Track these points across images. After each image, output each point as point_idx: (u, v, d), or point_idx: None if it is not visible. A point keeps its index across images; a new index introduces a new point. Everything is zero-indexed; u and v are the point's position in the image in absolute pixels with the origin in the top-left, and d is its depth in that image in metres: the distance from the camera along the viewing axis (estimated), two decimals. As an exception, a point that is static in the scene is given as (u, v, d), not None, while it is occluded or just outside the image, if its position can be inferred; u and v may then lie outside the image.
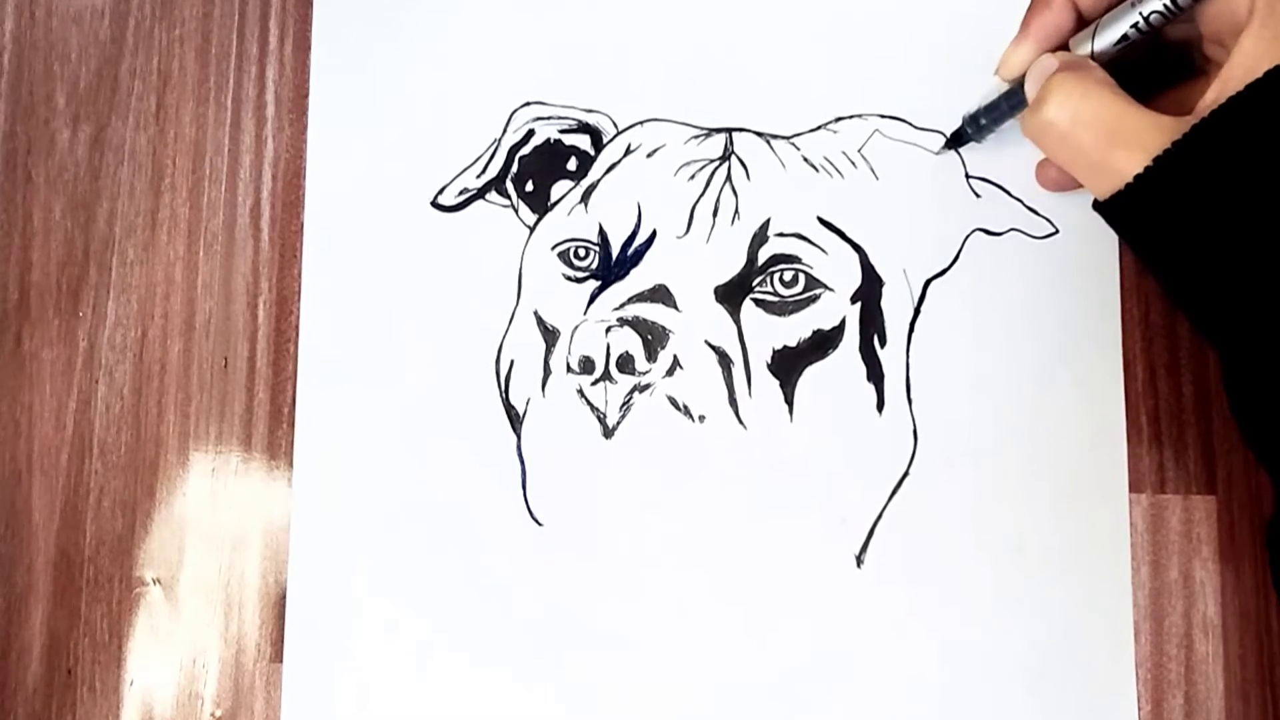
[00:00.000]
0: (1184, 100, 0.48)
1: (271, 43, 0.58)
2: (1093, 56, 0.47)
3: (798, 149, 0.55)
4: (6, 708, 0.55)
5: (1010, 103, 0.50)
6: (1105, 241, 0.53)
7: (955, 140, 0.54)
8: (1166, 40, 0.49)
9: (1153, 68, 0.49)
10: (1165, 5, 0.46)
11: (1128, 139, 0.43)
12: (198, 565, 0.55)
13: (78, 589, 0.55)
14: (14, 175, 0.58)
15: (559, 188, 0.56)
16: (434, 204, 0.56)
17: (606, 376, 0.52)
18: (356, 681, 0.54)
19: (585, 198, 0.55)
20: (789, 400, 0.53)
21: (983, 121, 0.52)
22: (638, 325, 0.52)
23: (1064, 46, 0.49)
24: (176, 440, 0.56)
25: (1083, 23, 0.48)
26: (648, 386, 0.52)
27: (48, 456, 0.56)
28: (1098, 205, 0.45)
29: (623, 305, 0.53)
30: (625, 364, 0.52)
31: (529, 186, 0.56)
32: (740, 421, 0.53)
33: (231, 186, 0.57)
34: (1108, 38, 0.47)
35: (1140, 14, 0.46)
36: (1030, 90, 0.48)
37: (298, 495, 0.55)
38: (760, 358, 0.53)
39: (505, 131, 0.56)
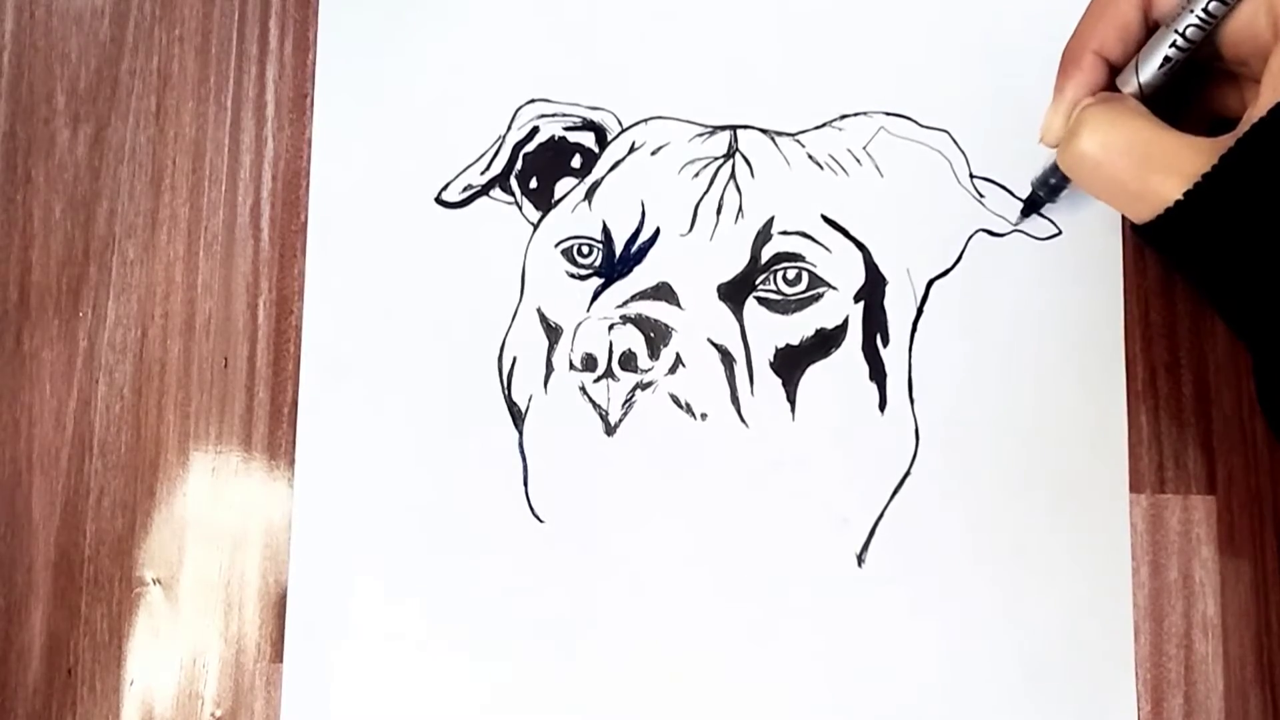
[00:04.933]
0: (1215, 109, 0.49)
1: (271, 43, 0.58)
2: (1140, 94, 0.47)
3: (802, 146, 0.55)
4: (6, 708, 0.55)
5: None
6: (1107, 242, 0.53)
7: (1031, 206, 0.54)
8: (1196, 58, 0.48)
9: (1184, 85, 0.49)
10: (1199, 18, 0.45)
11: (1163, 163, 0.43)
12: (198, 565, 0.55)
13: (78, 589, 0.55)
14: (14, 175, 0.58)
15: (563, 185, 0.56)
16: (438, 200, 0.56)
17: (609, 374, 0.52)
18: (356, 681, 0.54)
19: (589, 195, 0.55)
20: (791, 399, 0.53)
21: (1052, 181, 0.52)
22: (640, 323, 0.53)
23: None
24: (176, 440, 0.56)
25: (1114, 74, 0.48)
26: (650, 384, 0.53)
27: (48, 456, 0.56)
28: (1138, 229, 0.45)
29: (626, 303, 0.53)
30: (628, 361, 0.52)
31: (533, 183, 0.56)
32: (742, 420, 0.53)
33: (231, 186, 0.57)
34: (1150, 68, 0.47)
35: (1176, 31, 0.46)
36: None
37: (298, 494, 0.55)
38: (763, 356, 0.53)
39: (510, 128, 0.56)
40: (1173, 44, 0.46)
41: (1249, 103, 0.46)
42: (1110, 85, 0.48)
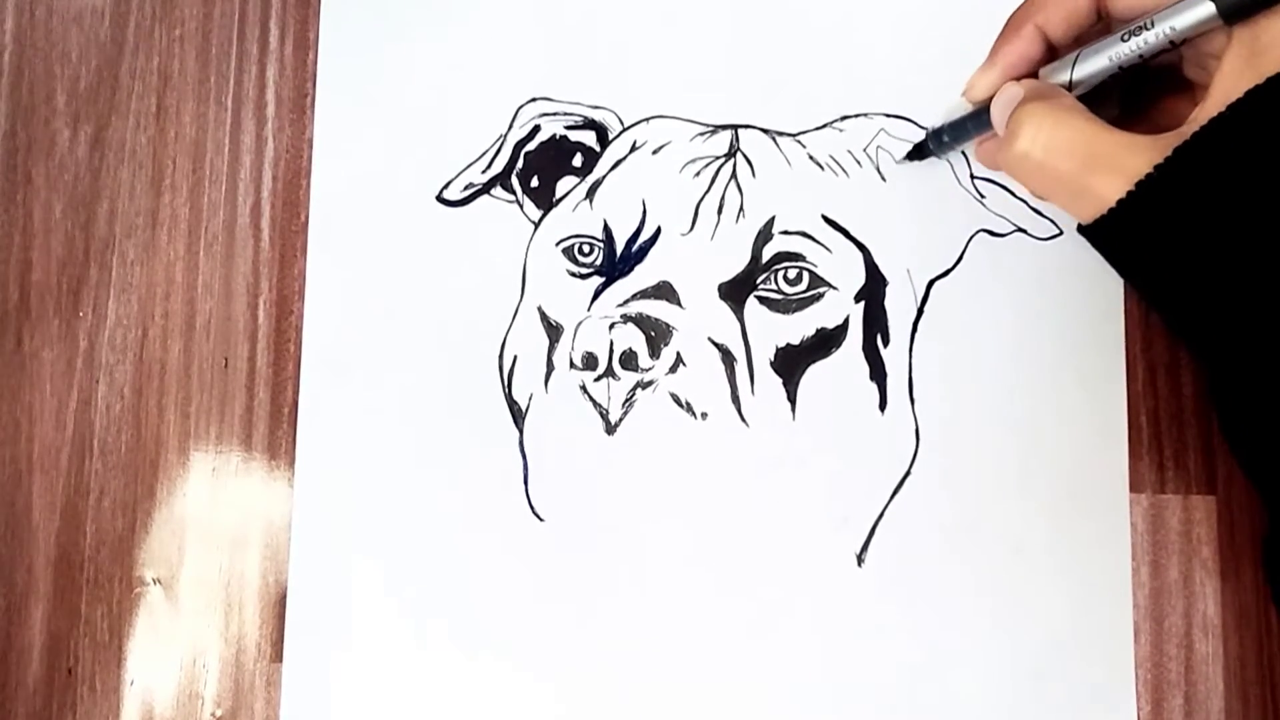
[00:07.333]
0: (1165, 115, 0.48)
1: (271, 43, 0.58)
2: (1069, 86, 0.46)
3: (803, 146, 0.55)
4: (6, 708, 0.55)
5: (975, 123, 0.50)
6: (1107, 241, 0.54)
7: (917, 153, 0.54)
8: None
9: (1131, 85, 0.48)
10: (1155, 41, 0.44)
11: (1106, 163, 0.42)
12: (198, 565, 0.55)
13: (78, 589, 0.55)
14: (14, 175, 0.58)
15: (564, 184, 0.56)
16: (439, 198, 0.56)
17: (609, 373, 0.52)
18: (356, 681, 0.53)
19: (590, 194, 0.55)
20: (791, 398, 0.53)
21: (945, 139, 0.52)
22: (641, 322, 0.53)
23: (1033, 75, 0.48)
24: (176, 440, 0.56)
25: (1051, 51, 0.48)
26: (650, 383, 0.53)
27: (48, 456, 0.56)
28: (1082, 229, 0.44)
29: (626, 302, 0.53)
30: (628, 360, 0.52)
31: (534, 182, 0.56)
32: (742, 419, 0.53)
33: (231, 186, 0.57)
34: (1089, 69, 0.46)
35: (1132, 50, 0.44)
36: (996, 118, 0.47)
37: (298, 494, 0.55)
38: (763, 355, 0.53)
39: (511, 127, 0.56)
40: (1120, 63, 0.45)
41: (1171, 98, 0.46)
42: (1046, 60, 0.48)
